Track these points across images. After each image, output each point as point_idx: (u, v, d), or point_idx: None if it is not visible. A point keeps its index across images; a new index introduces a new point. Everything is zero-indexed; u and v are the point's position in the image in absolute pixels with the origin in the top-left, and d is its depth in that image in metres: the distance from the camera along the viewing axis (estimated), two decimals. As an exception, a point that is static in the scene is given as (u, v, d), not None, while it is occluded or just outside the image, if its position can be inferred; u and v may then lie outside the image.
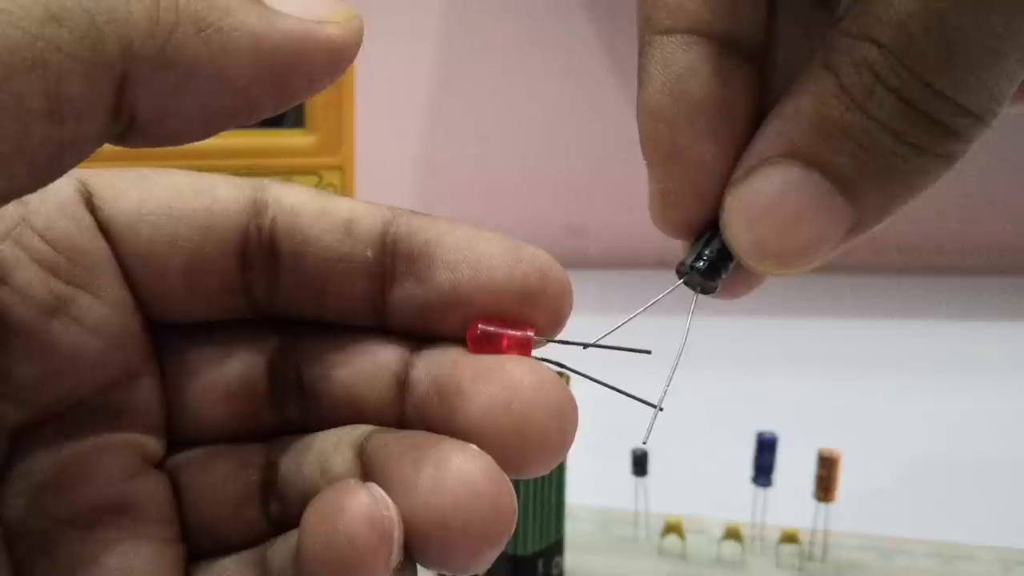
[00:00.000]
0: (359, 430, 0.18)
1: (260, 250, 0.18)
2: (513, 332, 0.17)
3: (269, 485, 0.18)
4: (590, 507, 0.36)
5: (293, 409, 0.19)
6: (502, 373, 0.16)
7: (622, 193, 0.81)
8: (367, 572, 0.15)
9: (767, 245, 0.18)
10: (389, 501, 0.15)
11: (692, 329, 0.20)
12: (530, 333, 0.17)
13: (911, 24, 0.16)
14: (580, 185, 0.81)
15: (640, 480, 0.33)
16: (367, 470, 0.17)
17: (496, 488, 0.15)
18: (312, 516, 0.16)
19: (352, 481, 0.16)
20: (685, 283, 0.19)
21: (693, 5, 0.18)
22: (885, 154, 0.17)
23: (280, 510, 0.18)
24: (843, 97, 0.17)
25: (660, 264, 0.88)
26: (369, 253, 0.18)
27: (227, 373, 0.19)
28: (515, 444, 0.16)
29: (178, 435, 0.19)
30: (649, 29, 0.18)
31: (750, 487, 0.32)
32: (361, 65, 0.34)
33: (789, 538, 0.32)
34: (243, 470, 0.18)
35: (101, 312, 0.17)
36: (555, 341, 0.18)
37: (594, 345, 0.19)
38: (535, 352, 0.18)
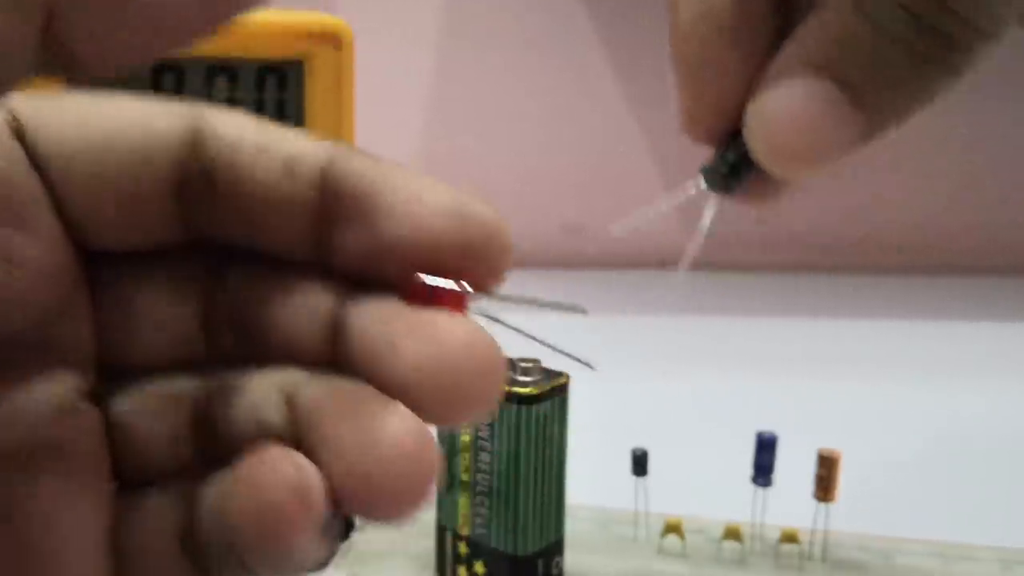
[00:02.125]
0: (292, 377, 0.18)
1: (197, 184, 0.17)
2: (451, 287, 0.17)
3: (201, 423, 0.18)
4: (590, 507, 0.36)
5: (226, 342, 0.19)
6: (434, 330, 0.17)
7: (621, 192, 0.81)
8: (293, 538, 0.16)
9: (784, 148, 0.19)
10: (312, 471, 0.16)
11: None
12: (468, 289, 0.17)
13: None
14: (579, 184, 0.81)
15: (640, 480, 0.33)
16: (298, 424, 0.17)
17: (421, 449, 0.16)
18: (240, 483, 0.16)
19: (276, 450, 0.16)
20: (707, 184, 0.21)
21: None
22: (894, 65, 0.18)
23: (212, 448, 0.18)
24: (857, 13, 0.18)
25: (660, 264, 0.88)
26: (311, 195, 0.17)
27: (160, 303, 0.18)
28: (441, 401, 0.16)
29: (109, 367, 0.18)
30: None
31: (750, 487, 0.32)
32: (361, 63, 0.34)
33: (789, 538, 0.32)
34: (175, 407, 0.18)
35: (33, 248, 0.17)
36: (492, 297, 0.18)
37: (530, 302, 0.19)
38: (471, 306, 0.18)
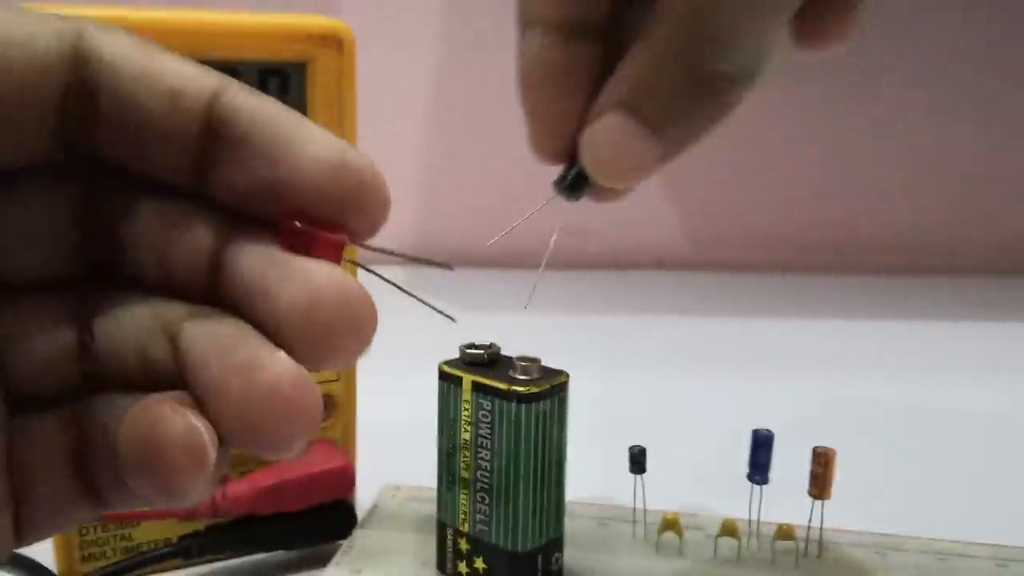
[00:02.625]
0: (173, 311, 0.18)
1: (79, 106, 0.17)
2: (326, 234, 0.18)
3: (86, 346, 0.19)
4: (589, 503, 0.36)
5: (105, 262, 0.19)
6: (307, 280, 0.17)
7: (621, 193, 0.81)
8: (184, 488, 0.17)
9: (606, 168, 0.25)
10: (201, 424, 0.17)
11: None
12: (342, 237, 0.18)
13: (682, 10, 0.23)
14: (580, 185, 0.81)
15: (638, 477, 0.33)
16: (181, 365, 0.18)
17: (300, 393, 0.17)
18: (130, 435, 0.17)
19: (170, 405, 0.17)
20: (558, 193, 0.26)
21: (548, 5, 0.25)
22: (679, 105, 0.24)
23: (96, 372, 0.19)
24: (650, 67, 0.24)
25: (659, 264, 0.89)
26: (194, 128, 0.17)
27: (37, 221, 0.18)
28: (312, 346, 0.17)
29: None
30: (519, 23, 0.26)
31: (746, 484, 0.32)
32: (363, 66, 0.34)
33: (785, 535, 0.33)
34: (57, 327, 0.19)
35: None
36: (364, 247, 0.19)
37: (399, 255, 0.20)
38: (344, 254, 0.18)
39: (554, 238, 0.28)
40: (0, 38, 0.17)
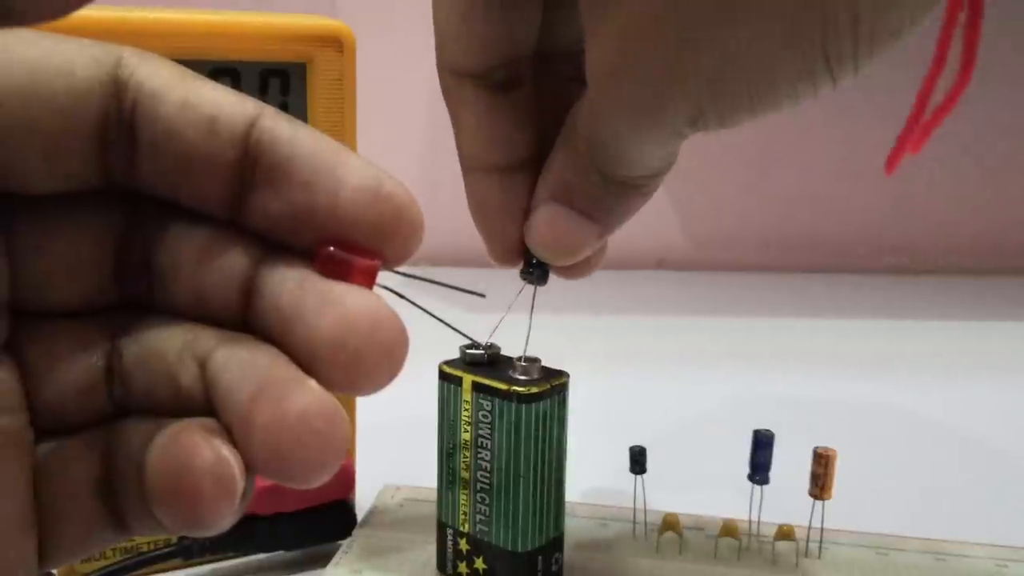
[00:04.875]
0: (203, 337, 0.18)
1: (119, 133, 0.18)
2: (360, 260, 0.18)
3: (115, 373, 0.19)
4: (589, 504, 0.36)
5: (138, 290, 0.19)
6: (341, 305, 0.17)
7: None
8: (212, 518, 0.17)
9: (552, 251, 0.27)
10: (231, 454, 0.17)
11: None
12: (377, 262, 0.18)
13: (584, 134, 0.25)
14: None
15: (638, 477, 0.33)
16: (211, 391, 0.18)
17: (329, 424, 0.17)
18: (158, 464, 0.17)
19: (196, 434, 0.17)
20: (526, 281, 0.29)
21: (482, 152, 0.27)
22: (603, 199, 0.26)
23: (125, 396, 0.19)
24: (574, 170, 0.26)
25: (659, 265, 0.89)
26: (231, 155, 0.18)
27: (73, 245, 0.18)
28: (343, 374, 0.17)
29: (22, 310, 0.18)
30: (462, 165, 0.28)
31: (747, 484, 0.32)
32: (363, 66, 0.34)
33: (785, 535, 0.33)
34: (88, 353, 0.19)
35: None
36: (400, 273, 0.19)
37: (433, 282, 0.21)
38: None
39: (519, 292, 0.29)
40: (40, 65, 0.17)
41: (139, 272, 0.19)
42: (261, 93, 0.33)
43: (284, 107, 0.33)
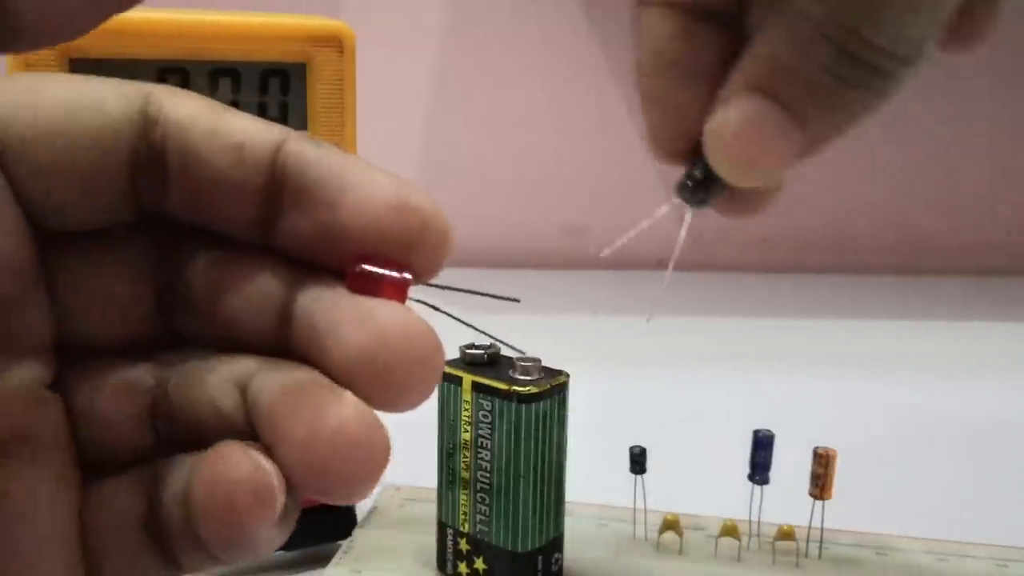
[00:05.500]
0: (245, 365, 0.18)
1: (150, 166, 0.18)
2: (391, 274, 0.18)
3: (159, 408, 0.19)
4: (589, 504, 0.36)
5: (181, 322, 0.19)
6: (374, 321, 0.17)
7: (622, 193, 0.81)
8: (252, 530, 0.16)
9: (736, 161, 0.22)
10: (270, 467, 0.17)
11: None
12: (407, 276, 0.18)
13: None
14: (580, 185, 0.81)
15: (638, 477, 0.33)
16: (252, 414, 0.18)
17: (368, 435, 0.17)
18: (199, 481, 0.17)
19: (235, 447, 0.17)
20: (680, 197, 0.23)
21: (669, 45, 0.23)
22: (826, 89, 0.21)
23: (169, 432, 0.19)
24: (792, 45, 0.21)
25: (659, 264, 0.89)
26: (259, 180, 0.18)
27: (116, 286, 0.19)
28: (380, 388, 0.17)
29: (67, 348, 0.19)
30: (636, 3, 0.23)
31: (747, 484, 0.32)
32: (363, 66, 0.34)
33: (785, 535, 0.33)
34: (134, 391, 0.19)
35: None
36: (431, 285, 0.19)
37: (467, 291, 0.20)
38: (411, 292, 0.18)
39: (681, 238, 0.24)
40: (71, 103, 0.17)
41: (179, 305, 0.19)
42: (261, 93, 0.33)
43: (284, 107, 0.34)
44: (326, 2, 0.75)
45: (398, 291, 0.18)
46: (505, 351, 0.31)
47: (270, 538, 0.17)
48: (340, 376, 0.17)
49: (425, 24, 0.77)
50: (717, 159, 0.22)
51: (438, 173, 0.81)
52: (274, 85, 0.33)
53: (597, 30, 0.78)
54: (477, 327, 0.21)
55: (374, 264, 0.18)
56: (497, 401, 0.29)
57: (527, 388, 0.29)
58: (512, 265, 0.78)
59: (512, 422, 0.29)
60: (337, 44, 0.33)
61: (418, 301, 0.19)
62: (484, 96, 0.79)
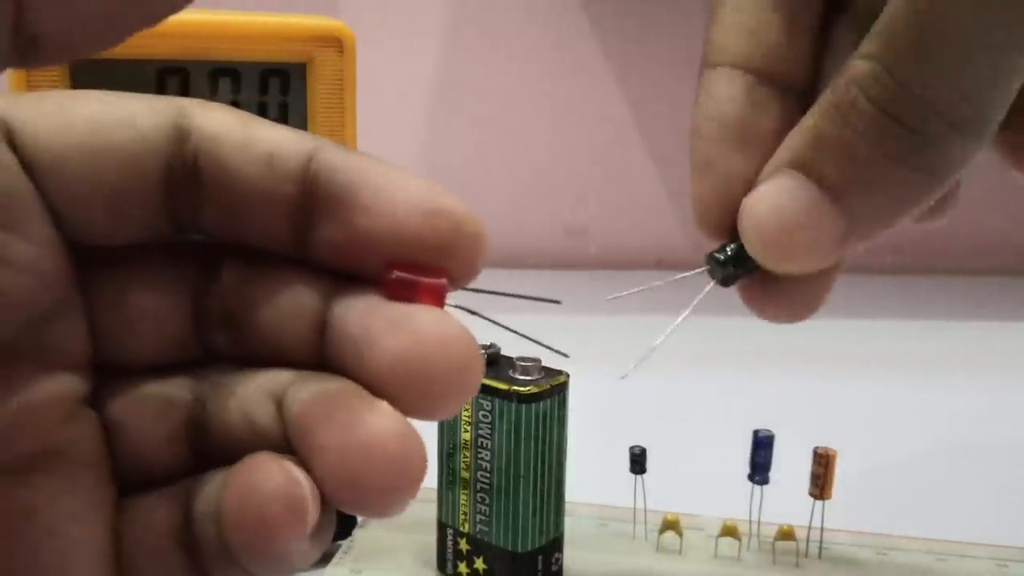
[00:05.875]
0: (280, 378, 0.18)
1: (183, 179, 0.18)
2: (427, 280, 0.18)
3: (195, 424, 0.19)
4: (589, 504, 0.36)
5: (218, 339, 0.19)
6: (410, 326, 0.17)
7: (622, 193, 0.81)
8: (284, 543, 0.16)
9: (769, 242, 0.20)
10: (303, 478, 0.16)
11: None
12: (443, 281, 0.18)
13: (893, 25, 0.18)
14: (580, 185, 0.81)
15: (638, 478, 0.33)
16: (287, 426, 0.17)
17: (404, 446, 0.16)
18: (232, 492, 0.17)
19: (268, 457, 0.17)
20: (707, 271, 0.22)
21: (738, 44, 0.21)
22: (868, 165, 0.18)
23: (205, 449, 0.19)
24: (833, 111, 0.19)
25: (659, 264, 0.89)
26: (290, 189, 0.18)
27: (153, 303, 0.19)
28: (419, 394, 0.17)
29: (104, 366, 0.19)
30: (704, 63, 0.21)
31: (747, 484, 0.32)
32: (363, 66, 0.34)
33: (785, 535, 0.33)
34: (170, 408, 0.19)
35: (28, 252, 0.17)
36: (468, 289, 0.19)
37: (505, 294, 0.20)
38: (449, 298, 0.18)
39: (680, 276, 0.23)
40: (104, 117, 0.17)
41: (215, 321, 0.19)
42: (261, 93, 0.33)
43: (284, 107, 0.34)
44: (326, 2, 0.75)
45: (435, 296, 0.18)
46: (505, 352, 0.31)
47: (303, 552, 0.16)
48: (377, 383, 0.17)
49: (425, 24, 0.77)
50: (749, 239, 0.20)
51: (438, 173, 0.81)
52: (274, 85, 0.33)
53: (599, 32, 0.78)
54: (518, 331, 0.21)
55: (409, 271, 0.18)
56: (497, 401, 0.29)
57: (527, 388, 0.29)
58: (512, 265, 0.78)
59: (512, 422, 0.29)
60: (337, 44, 0.33)
61: (456, 307, 0.18)
62: (484, 96, 0.79)
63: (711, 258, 0.21)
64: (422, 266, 0.18)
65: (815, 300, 0.22)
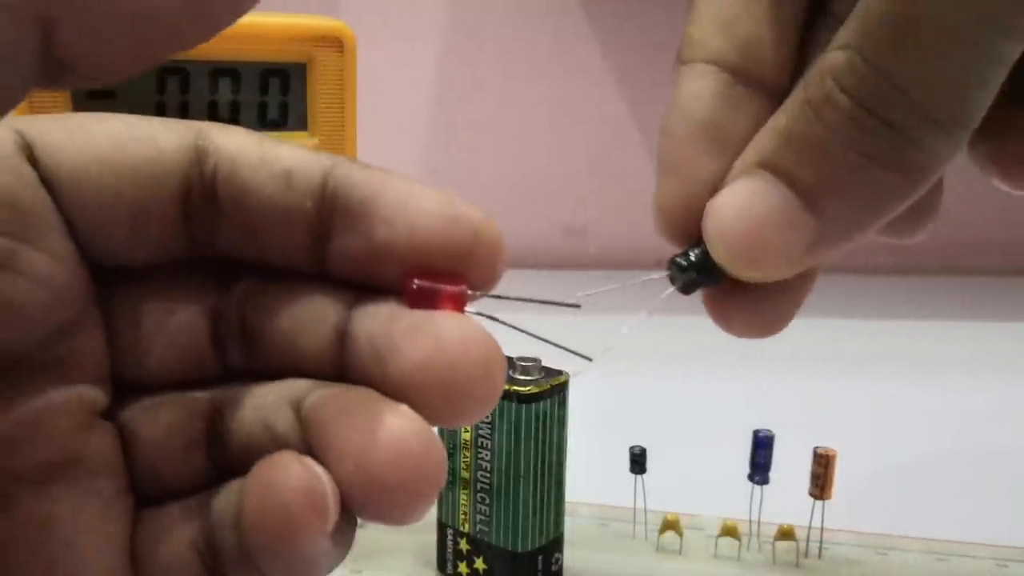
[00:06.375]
0: (299, 385, 0.18)
1: (201, 198, 0.18)
2: (447, 287, 0.18)
3: (214, 434, 0.19)
4: (589, 504, 0.36)
5: (236, 355, 0.19)
6: (432, 330, 0.17)
7: (622, 193, 0.81)
8: (304, 542, 0.16)
9: (733, 248, 0.19)
10: (323, 474, 0.16)
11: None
12: (463, 287, 0.18)
13: (871, 12, 0.17)
14: (580, 185, 0.81)
15: (639, 477, 0.33)
16: (306, 430, 0.17)
17: (425, 448, 0.16)
18: (251, 490, 0.16)
19: (288, 455, 0.16)
20: (668, 277, 0.20)
21: (714, 39, 0.20)
22: (842, 166, 0.17)
23: (224, 459, 0.19)
24: (806, 107, 0.18)
25: (659, 264, 0.89)
26: (309, 205, 0.18)
27: (170, 316, 0.19)
28: (442, 399, 0.17)
29: (123, 381, 0.19)
30: (678, 58, 0.20)
31: (747, 484, 0.32)
32: (363, 66, 0.34)
33: (785, 535, 0.33)
34: (189, 420, 0.19)
35: (46, 266, 0.17)
36: (488, 296, 0.19)
37: (525, 300, 0.20)
38: (470, 306, 0.18)
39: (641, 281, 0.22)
40: (125, 135, 0.17)
41: (235, 337, 0.19)
42: (261, 93, 0.33)
43: (284, 107, 0.34)
44: (326, 2, 0.75)
45: (456, 303, 0.18)
46: (509, 353, 0.31)
47: (325, 554, 0.16)
48: (400, 390, 0.17)
49: (425, 24, 0.77)
50: (714, 243, 0.19)
51: (438, 173, 0.81)
52: (274, 85, 0.33)
53: (598, 34, 0.78)
54: (536, 335, 0.20)
55: (429, 278, 0.18)
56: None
57: (527, 388, 0.29)
58: (512, 265, 0.78)
59: (512, 422, 0.29)
60: (337, 44, 0.33)
61: (477, 314, 0.18)
62: (484, 96, 0.79)
63: (673, 263, 0.20)
64: (441, 274, 0.18)
65: (786, 312, 0.21)
